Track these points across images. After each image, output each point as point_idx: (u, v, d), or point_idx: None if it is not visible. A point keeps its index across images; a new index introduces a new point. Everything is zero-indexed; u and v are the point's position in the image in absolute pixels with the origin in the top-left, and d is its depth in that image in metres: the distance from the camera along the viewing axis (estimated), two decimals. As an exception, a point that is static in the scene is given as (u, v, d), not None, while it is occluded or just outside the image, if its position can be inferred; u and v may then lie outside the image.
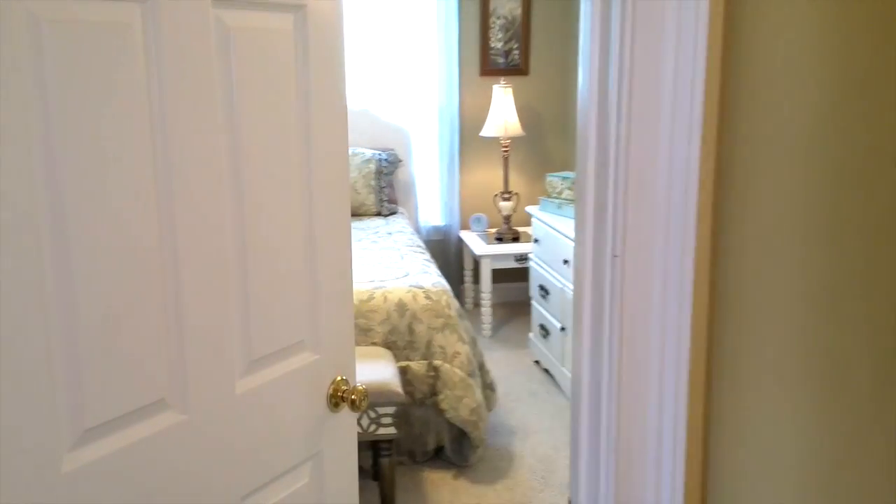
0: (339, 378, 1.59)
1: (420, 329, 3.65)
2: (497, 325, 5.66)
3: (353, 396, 1.58)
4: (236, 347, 1.38)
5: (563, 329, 4.40)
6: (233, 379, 1.38)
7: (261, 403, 1.44)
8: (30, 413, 1.11)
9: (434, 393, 3.66)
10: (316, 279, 1.52)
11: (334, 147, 1.51)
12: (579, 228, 1.61)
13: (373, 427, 3.25)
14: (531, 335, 5.02)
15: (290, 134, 1.42)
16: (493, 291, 5.54)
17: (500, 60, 5.85)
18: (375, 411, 3.24)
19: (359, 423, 3.24)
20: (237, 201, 1.35)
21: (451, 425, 3.69)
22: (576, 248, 1.62)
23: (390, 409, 3.24)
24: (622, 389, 1.59)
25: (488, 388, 3.94)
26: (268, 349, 1.45)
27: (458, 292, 5.97)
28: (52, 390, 1.13)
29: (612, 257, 1.54)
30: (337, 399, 1.59)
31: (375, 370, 3.34)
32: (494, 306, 5.78)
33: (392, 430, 3.25)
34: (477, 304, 6.00)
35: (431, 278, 3.88)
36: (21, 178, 1.06)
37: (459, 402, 3.59)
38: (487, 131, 5.56)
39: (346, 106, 1.53)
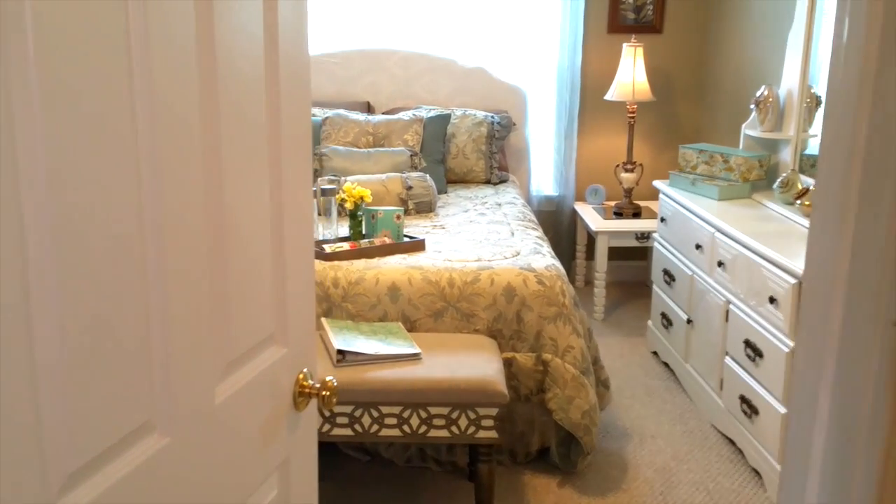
0: (303, 373, 1.47)
1: (530, 318, 3.22)
2: (610, 307, 5.18)
3: (325, 392, 1.46)
4: (216, 348, 1.24)
5: (689, 321, 3.90)
6: (213, 386, 1.24)
7: (238, 411, 1.32)
8: (11, 467, 0.87)
9: (542, 390, 3.24)
10: (283, 262, 1.40)
11: (299, 112, 1.42)
12: (816, 271, 1.12)
13: (471, 429, 2.85)
14: (650, 323, 4.53)
15: (259, 102, 1.31)
16: (608, 270, 5.04)
17: (631, 16, 5.29)
18: (475, 412, 2.84)
19: (455, 424, 2.84)
20: (213, 175, 1.20)
21: (559, 426, 3.26)
22: (808, 300, 1.14)
23: (492, 411, 2.83)
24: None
25: (602, 385, 3.49)
26: (244, 346, 1.32)
27: (570, 268, 5.50)
28: (39, 433, 0.91)
29: (887, 325, 1.06)
30: (304, 397, 1.46)
31: (477, 364, 2.93)
32: (608, 286, 5.28)
33: (493, 434, 2.85)
34: (589, 283, 5.53)
35: (545, 260, 3.43)
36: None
37: (570, 404, 3.15)
38: (612, 94, 5.04)
39: (309, 77, 1.45)
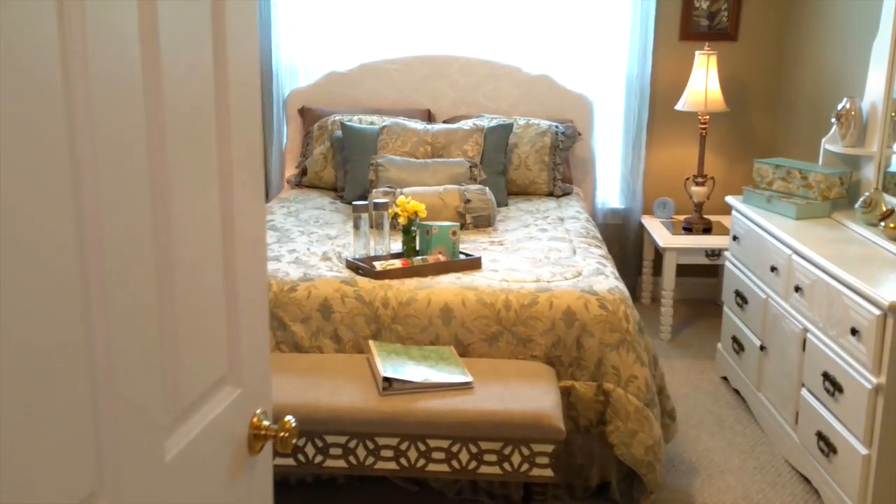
0: (258, 412, 1.38)
1: (590, 344, 3.03)
2: (678, 327, 4.94)
3: (283, 433, 1.36)
4: (167, 398, 1.12)
5: (762, 348, 3.66)
6: (162, 442, 1.11)
7: (190, 466, 1.19)
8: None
9: (602, 422, 3.04)
10: (236, 294, 1.30)
11: (250, 132, 1.32)
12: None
13: (525, 466, 2.67)
14: (720, 346, 4.29)
15: (208, 123, 1.21)
16: (676, 286, 4.80)
17: (704, 23, 5.04)
18: (529, 448, 2.66)
19: (508, 461, 2.67)
20: (160, 204, 1.08)
21: (621, 460, 3.06)
22: None
23: (547, 448, 2.65)
24: None
25: (668, 416, 3.28)
26: (196, 392, 1.21)
27: (635, 285, 5.27)
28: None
29: None
30: (259, 439, 1.36)
31: (532, 396, 2.75)
32: (676, 303, 5.03)
33: (548, 473, 2.67)
34: (655, 300, 5.29)
35: (608, 282, 3.23)
36: None
37: (633, 438, 2.95)
38: (683, 104, 4.80)
39: (258, 89, 1.37)
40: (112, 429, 0.99)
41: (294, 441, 1.37)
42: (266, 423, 1.38)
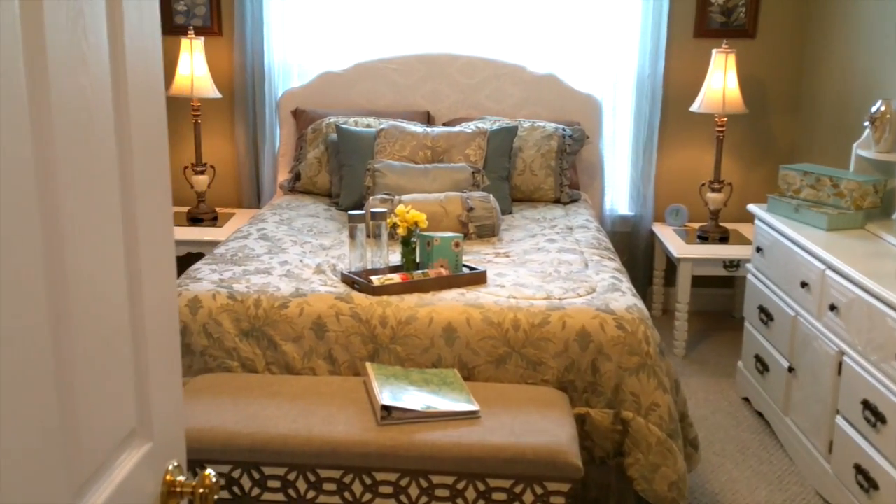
0: (171, 467, 1.21)
1: (607, 368, 2.76)
2: (692, 342, 4.66)
3: (201, 490, 1.18)
4: (68, 469, 0.94)
5: (791, 370, 3.38)
6: None
7: None
8: None
9: (620, 453, 2.77)
10: (144, 334, 1.14)
11: (155, 149, 1.18)
12: None
13: (538, 507, 2.39)
14: (741, 364, 4.01)
15: (107, 141, 1.04)
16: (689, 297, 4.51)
17: (720, 19, 4.77)
18: (543, 486, 2.39)
19: (519, 500, 2.40)
20: (54, 239, 0.90)
21: (640, 495, 2.78)
22: None
23: (563, 486, 2.38)
24: None
25: (690, 444, 3.00)
26: (101, 456, 1.04)
27: (645, 295, 4.98)
28: None
29: None
30: (174, 497, 1.19)
31: (545, 427, 2.47)
32: (689, 316, 4.74)
33: (564, 514, 2.39)
34: (666, 311, 5.02)
35: (625, 299, 2.96)
36: None
37: (655, 472, 2.68)
38: (699, 105, 4.52)
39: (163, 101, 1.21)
40: None
41: (215, 498, 1.19)
42: (181, 478, 1.21)
